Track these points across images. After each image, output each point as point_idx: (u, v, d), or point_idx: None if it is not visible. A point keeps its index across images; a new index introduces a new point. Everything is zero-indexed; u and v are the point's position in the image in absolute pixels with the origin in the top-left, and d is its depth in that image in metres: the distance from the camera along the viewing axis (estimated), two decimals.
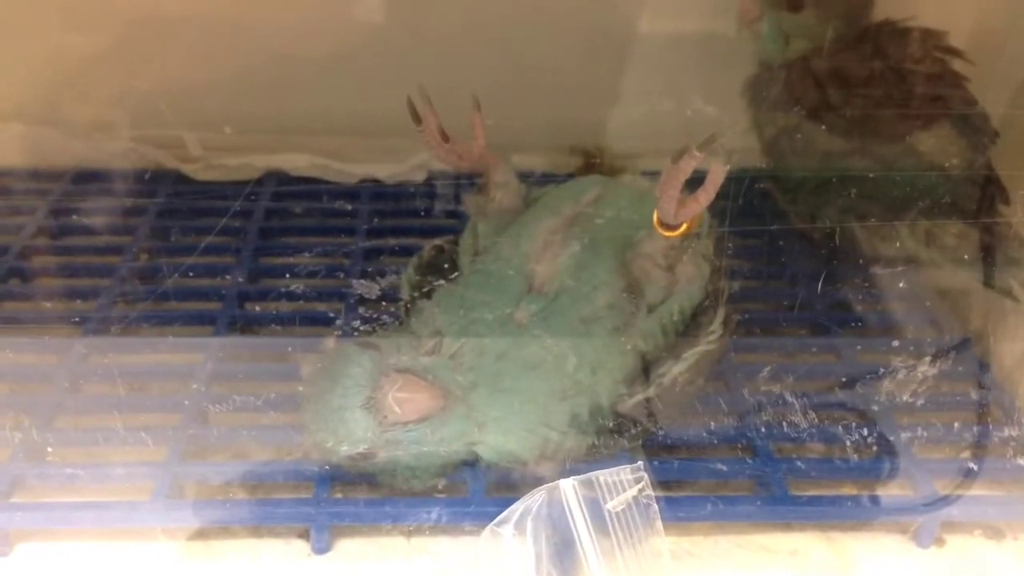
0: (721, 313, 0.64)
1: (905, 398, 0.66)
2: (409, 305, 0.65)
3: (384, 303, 0.73)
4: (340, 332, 0.69)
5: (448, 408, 0.57)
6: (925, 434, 0.64)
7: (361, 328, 0.69)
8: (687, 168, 0.56)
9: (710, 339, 0.63)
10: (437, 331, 0.60)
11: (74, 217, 0.86)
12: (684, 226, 0.60)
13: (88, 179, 0.91)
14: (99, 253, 0.83)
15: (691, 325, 0.64)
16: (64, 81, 0.90)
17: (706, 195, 0.58)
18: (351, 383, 0.55)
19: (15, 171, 0.91)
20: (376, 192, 0.91)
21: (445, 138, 0.67)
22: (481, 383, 0.58)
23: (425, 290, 0.65)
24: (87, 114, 0.92)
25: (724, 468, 0.61)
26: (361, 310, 0.73)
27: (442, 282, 0.65)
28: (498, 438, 0.58)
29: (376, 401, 0.55)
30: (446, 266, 0.68)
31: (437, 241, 0.71)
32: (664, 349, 0.63)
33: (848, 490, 0.62)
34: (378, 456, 0.56)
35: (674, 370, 0.61)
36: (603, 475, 0.52)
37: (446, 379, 0.57)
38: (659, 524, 0.53)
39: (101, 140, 0.93)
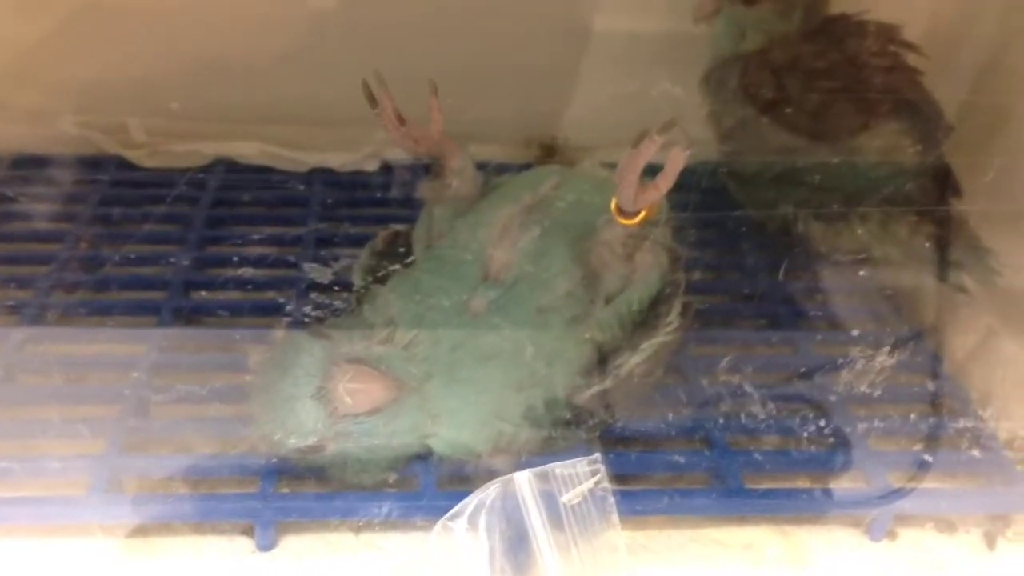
0: (678, 304, 0.64)
1: (860, 390, 0.66)
2: (362, 292, 0.63)
3: (336, 288, 0.71)
4: (290, 320, 0.67)
5: (401, 399, 0.55)
6: (879, 426, 0.64)
7: (312, 315, 0.67)
8: (646, 153, 0.55)
9: (667, 330, 0.62)
10: (391, 319, 0.58)
11: (13, 203, 0.83)
12: (642, 213, 0.59)
13: (28, 164, 0.88)
14: (38, 240, 0.80)
15: (649, 316, 0.63)
16: (5, 65, 0.87)
17: (665, 181, 0.57)
18: (301, 373, 0.53)
19: None
20: (328, 181, 0.89)
21: (401, 121, 0.65)
22: (435, 374, 0.57)
23: (379, 276, 0.64)
24: (28, 99, 0.89)
25: (681, 460, 0.61)
26: (311, 296, 0.71)
27: (397, 267, 0.64)
28: (452, 431, 0.57)
29: (327, 392, 0.53)
30: (401, 251, 0.66)
31: (392, 227, 0.69)
32: (622, 340, 0.62)
33: (802, 483, 0.62)
34: (328, 449, 0.55)
35: (631, 361, 0.61)
36: (559, 467, 0.51)
37: (399, 370, 0.56)
38: (615, 517, 0.52)
39: (42, 125, 0.89)
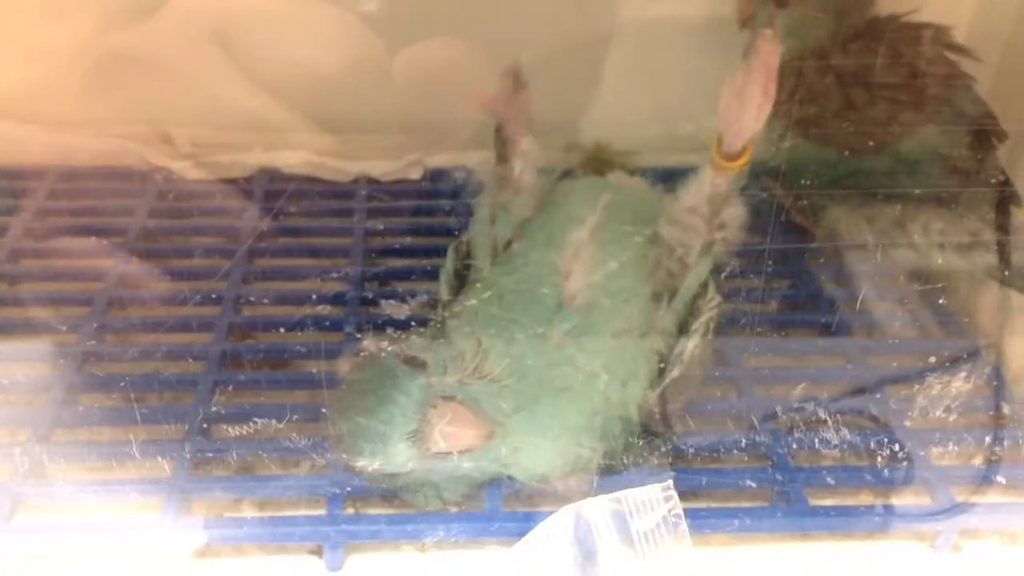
0: (714, 281, 0.64)
1: (920, 403, 0.65)
2: (446, 308, 0.63)
3: (389, 300, 0.72)
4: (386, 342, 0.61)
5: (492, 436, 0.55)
6: (941, 440, 0.64)
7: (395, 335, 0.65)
8: (766, 58, 0.55)
9: (711, 306, 0.63)
10: (479, 347, 0.57)
11: (64, 216, 0.83)
12: (744, 157, 0.59)
13: (73, 177, 0.88)
14: (90, 255, 0.80)
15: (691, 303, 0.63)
16: (49, 77, 0.87)
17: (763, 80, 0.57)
18: (397, 412, 0.53)
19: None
20: (372, 189, 0.88)
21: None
22: (521, 407, 0.56)
23: (459, 295, 0.63)
24: (72, 110, 0.89)
25: (744, 476, 0.61)
26: (367, 314, 0.71)
27: (475, 283, 0.64)
28: (531, 461, 0.57)
29: (422, 433, 0.53)
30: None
31: (464, 238, 0.68)
32: (677, 339, 0.62)
33: (866, 498, 0.62)
34: (408, 475, 0.55)
35: (689, 345, 0.61)
36: (632, 494, 0.51)
37: (492, 408, 0.55)
38: (688, 541, 0.52)
39: (86, 137, 0.90)
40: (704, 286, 0.63)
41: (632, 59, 0.89)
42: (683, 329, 0.62)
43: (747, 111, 0.57)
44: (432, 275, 0.76)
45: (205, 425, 0.63)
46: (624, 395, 0.58)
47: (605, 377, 0.58)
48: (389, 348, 0.56)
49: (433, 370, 0.54)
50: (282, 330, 0.72)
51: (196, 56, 0.86)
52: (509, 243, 0.65)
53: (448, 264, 0.66)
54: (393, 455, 0.53)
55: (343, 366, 0.57)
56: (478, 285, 0.62)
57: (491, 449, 0.55)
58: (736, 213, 0.63)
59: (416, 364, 0.54)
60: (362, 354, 0.57)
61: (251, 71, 0.86)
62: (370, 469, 0.54)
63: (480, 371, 0.55)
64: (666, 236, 0.62)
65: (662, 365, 0.60)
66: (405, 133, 0.91)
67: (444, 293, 0.64)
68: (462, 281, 0.65)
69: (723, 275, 0.65)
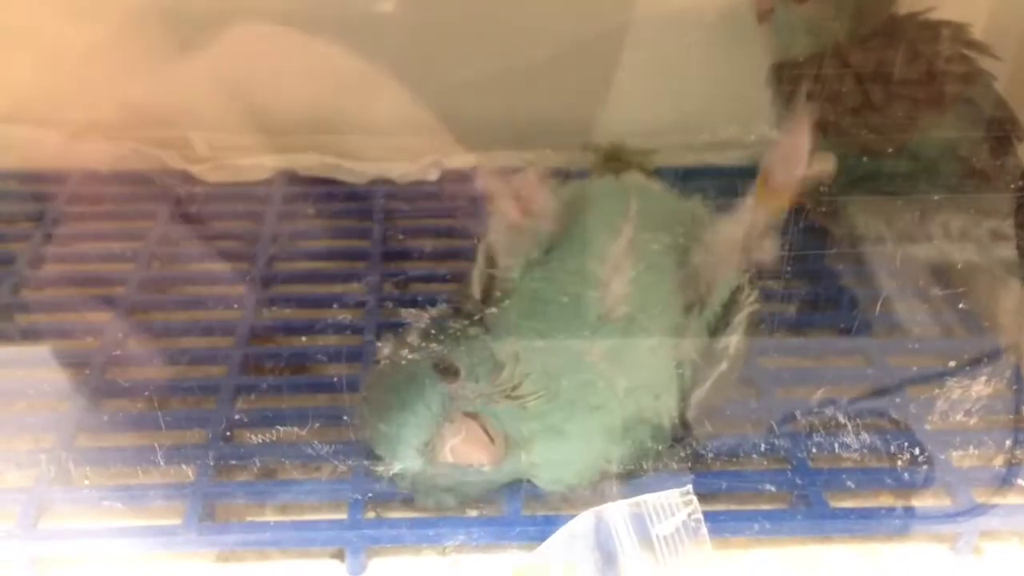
0: (747, 280, 0.64)
1: (941, 406, 0.65)
2: (477, 309, 0.62)
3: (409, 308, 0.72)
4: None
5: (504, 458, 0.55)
6: (961, 442, 0.64)
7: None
8: None
9: (750, 300, 0.63)
10: (516, 365, 0.56)
11: (82, 221, 0.84)
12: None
13: (93, 182, 0.88)
14: (110, 259, 0.80)
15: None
16: (67, 80, 0.87)
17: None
18: (414, 421, 0.53)
19: (17, 174, 0.88)
20: (389, 192, 0.89)
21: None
22: (546, 429, 0.56)
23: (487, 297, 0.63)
24: (89, 115, 0.89)
25: (763, 479, 0.61)
26: (387, 319, 0.72)
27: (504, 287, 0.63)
28: (556, 475, 0.57)
29: (433, 445, 0.53)
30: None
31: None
32: (709, 343, 0.62)
33: (886, 500, 0.62)
34: (419, 478, 0.55)
35: (733, 340, 0.61)
36: (652, 498, 0.52)
37: (511, 428, 0.55)
38: (708, 545, 0.52)
39: (105, 141, 0.90)
40: (739, 285, 0.63)
41: (649, 56, 0.88)
42: (715, 333, 0.62)
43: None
44: (451, 279, 0.77)
45: (228, 431, 0.64)
46: (657, 407, 0.58)
47: (640, 391, 0.58)
48: (428, 349, 0.56)
49: (464, 380, 0.54)
50: (304, 339, 0.72)
51: (215, 86, 0.86)
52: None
53: (480, 263, 0.65)
54: (403, 459, 0.54)
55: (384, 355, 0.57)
56: (506, 289, 0.62)
57: (510, 464, 0.55)
58: (771, 247, 0.63)
59: (448, 372, 0.54)
60: (404, 352, 0.57)
61: (267, 77, 0.87)
62: (384, 467, 0.55)
63: (514, 392, 0.55)
64: (699, 264, 0.62)
65: (683, 376, 0.60)
66: (422, 135, 0.92)
67: (476, 292, 0.63)
68: (490, 281, 0.64)
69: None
